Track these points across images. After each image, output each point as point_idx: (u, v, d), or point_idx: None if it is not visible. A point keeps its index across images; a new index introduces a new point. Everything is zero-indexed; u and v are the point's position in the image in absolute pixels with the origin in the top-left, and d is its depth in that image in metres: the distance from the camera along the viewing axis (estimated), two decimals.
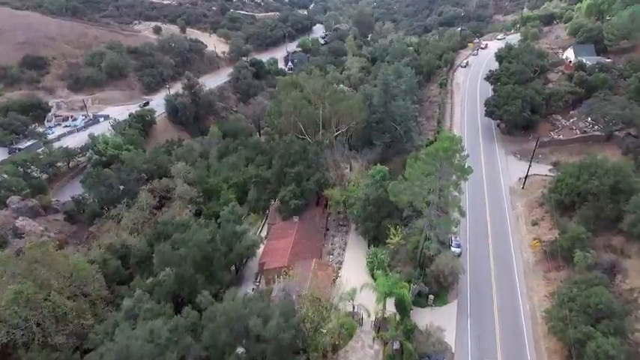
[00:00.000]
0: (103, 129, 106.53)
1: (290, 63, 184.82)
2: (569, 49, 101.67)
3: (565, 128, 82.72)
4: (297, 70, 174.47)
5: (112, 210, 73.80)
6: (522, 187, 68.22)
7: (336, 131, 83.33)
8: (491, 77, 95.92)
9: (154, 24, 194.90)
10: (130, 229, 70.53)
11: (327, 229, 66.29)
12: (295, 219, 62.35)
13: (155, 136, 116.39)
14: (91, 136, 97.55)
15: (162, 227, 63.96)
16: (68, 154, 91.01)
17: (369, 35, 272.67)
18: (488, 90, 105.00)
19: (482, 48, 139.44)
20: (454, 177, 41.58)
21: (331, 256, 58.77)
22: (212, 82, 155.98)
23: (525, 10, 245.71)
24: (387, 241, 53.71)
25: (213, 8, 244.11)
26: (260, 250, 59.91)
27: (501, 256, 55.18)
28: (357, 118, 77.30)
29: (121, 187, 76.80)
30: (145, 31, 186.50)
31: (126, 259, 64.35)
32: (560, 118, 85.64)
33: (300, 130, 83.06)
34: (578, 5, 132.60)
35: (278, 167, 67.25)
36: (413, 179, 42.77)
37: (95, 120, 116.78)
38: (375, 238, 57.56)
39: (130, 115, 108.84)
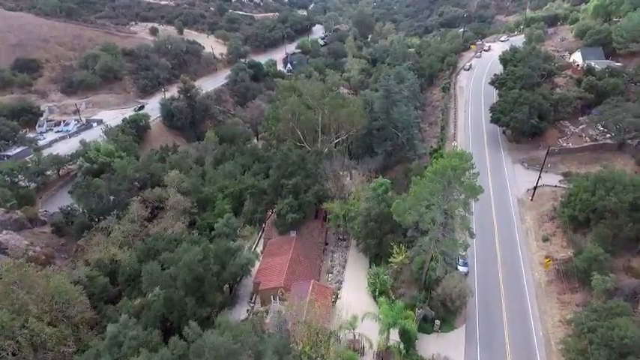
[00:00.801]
0: (96, 134, 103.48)
1: (289, 65, 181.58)
2: (577, 52, 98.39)
3: (574, 135, 79.48)
4: (297, 71, 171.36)
5: (101, 222, 70.65)
6: (531, 199, 64.98)
7: (336, 138, 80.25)
8: (496, 81, 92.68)
9: (150, 25, 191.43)
10: (120, 242, 67.38)
11: (327, 244, 63.13)
12: (292, 234, 59.14)
13: (150, 142, 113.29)
14: (83, 143, 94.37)
15: (152, 243, 60.66)
16: (58, 161, 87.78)
17: (369, 36, 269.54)
18: (493, 94, 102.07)
19: (485, 50, 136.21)
20: (463, 196, 38.40)
21: (330, 275, 55.56)
22: (209, 84, 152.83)
23: (528, 10, 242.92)
24: (390, 259, 50.56)
25: (211, 9, 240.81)
26: (255, 267, 56.75)
27: (511, 276, 51.96)
28: (358, 125, 74.16)
29: (112, 198, 73.44)
30: (142, 33, 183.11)
31: (115, 275, 61.33)
32: (569, 124, 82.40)
33: (298, 136, 80.00)
34: (584, 6, 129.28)
35: (275, 178, 64.02)
36: (418, 198, 39.56)
37: (88, 125, 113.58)
38: (376, 255, 54.40)
39: (123, 121, 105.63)
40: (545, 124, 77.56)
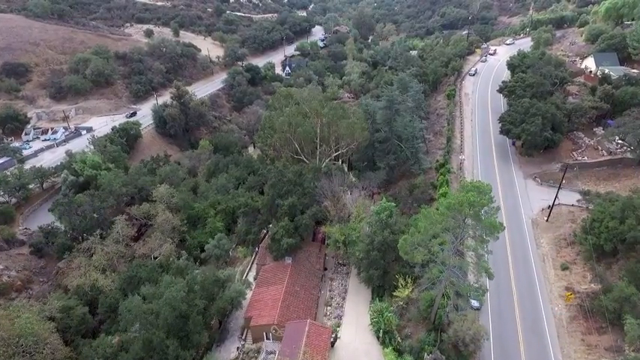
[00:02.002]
0: (84, 143, 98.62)
1: (288, 68, 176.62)
2: (589, 57, 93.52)
3: (589, 148, 74.58)
4: (295, 75, 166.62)
5: (84, 242, 65.78)
6: (547, 220, 60.05)
7: (335, 151, 75.39)
8: (505, 89, 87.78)
9: (146, 27, 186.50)
10: (102, 265, 62.57)
11: (325, 269, 58.28)
12: (288, 260, 54.25)
13: (141, 150, 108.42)
14: (69, 154, 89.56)
15: (135, 270, 55.71)
16: (41, 174, 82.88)
17: (370, 37, 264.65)
18: (501, 100, 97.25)
19: (490, 54, 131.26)
20: (481, 233, 33.53)
21: (329, 308, 50.67)
22: (205, 89, 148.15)
23: (531, 11, 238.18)
24: (395, 293, 45.67)
25: (209, 10, 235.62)
26: (248, 297, 51.89)
27: (529, 310, 47.06)
28: (359, 138, 69.29)
29: (95, 216, 68.50)
30: (136, 35, 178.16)
31: (96, 302, 56.55)
32: (583, 135, 77.54)
33: (295, 148, 75.18)
34: (594, 9, 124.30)
35: (269, 198, 59.14)
36: (428, 234, 34.71)
37: (77, 133, 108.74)
38: (380, 286, 49.49)
39: (112, 129, 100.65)
40: (559, 137, 72.60)
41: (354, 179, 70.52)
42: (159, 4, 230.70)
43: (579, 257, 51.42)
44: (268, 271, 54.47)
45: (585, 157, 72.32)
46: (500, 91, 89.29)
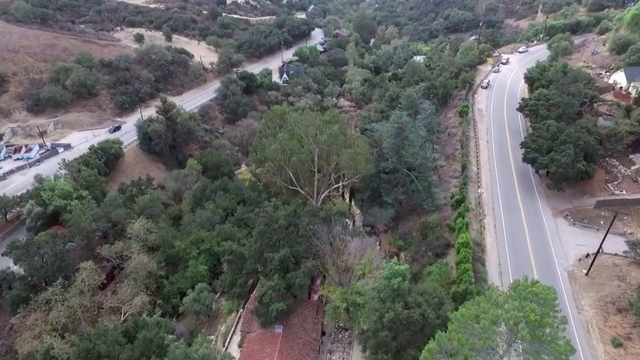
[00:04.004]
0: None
1: (285, 75, 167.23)
2: (619, 71, 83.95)
3: (626, 179, 65.22)
4: (294, 83, 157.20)
5: (42, 293, 56.39)
6: (587, 274, 50.61)
7: (335, 182, 66.06)
8: (526, 107, 78.26)
9: (137, 31, 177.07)
10: (61, 324, 53.26)
11: (324, 333, 48.95)
12: (278, 329, 44.94)
13: (123, 170, 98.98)
14: (38, 179, 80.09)
15: (93, 341, 46.16)
16: (4, 204, 73.53)
17: (371, 40, 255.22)
18: (518, 119, 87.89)
19: (503, 63, 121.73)
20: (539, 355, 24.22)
21: None
22: (197, 99, 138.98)
23: (540, 13, 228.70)
24: None
25: (204, 12, 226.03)
26: None
27: None
28: (363, 171, 59.84)
29: (58, 262, 59.04)
30: (126, 40, 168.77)
31: None
32: (617, 163, 68.25)
33: (289, 178, 65.82)
34: (618, 14, 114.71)
35: (257, 247, 49.77)
36: (464, 347, 25.34)
37: (53, 151, 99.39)
38: None
39: (90, 149, 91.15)
40: (593, 168, 63.14)
41: (358, 226, 60.85)
42: (152, 6, 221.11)
43: (636, 331, 42.01)
44: (254, 342, 45.07)
45: (624, 192, 62.90)
46: (521, 109, 79.86)
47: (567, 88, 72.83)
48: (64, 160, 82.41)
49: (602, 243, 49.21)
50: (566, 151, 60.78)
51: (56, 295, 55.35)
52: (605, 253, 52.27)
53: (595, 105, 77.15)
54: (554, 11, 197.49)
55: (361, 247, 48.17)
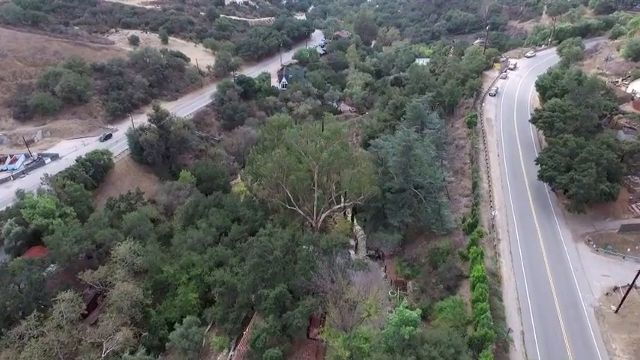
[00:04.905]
0: (49, 173, 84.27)
1: (284, 79, 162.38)
2: (638, 80, 79.00)
3: None
4: (293, 87, 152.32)
5: (15, 327, 51.53)
6: (616, 311, 45.70)
7: (337, 202, 61.26)
8: (540, 119, 73.34)
9: (132, 33, 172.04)
10: None
11: None
12: None
13: (113, 183, 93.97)
14: (19, 194, 75.10)
15: None
16: None
17: (372, 42, 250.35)
18: (530, 130, 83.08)
19: (510, 69, 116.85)
20: None
21: None
22: (192, 104, 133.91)
23: (544, 16, 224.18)
24: None
25: (202, 13, 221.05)
26: None
27: None
28: (367, 192, 54.96)
29: (33, 292, 54.16)
30: (120, 42, 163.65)
31: None
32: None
33: (287, 197, 61.02)
34: (633, 18, 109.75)
35: (250, 282, 44.86)
36: None
37: (40, 161, 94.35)
38: None
39: (77, 161, 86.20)
40: (617, 188, 58.15)
41: (362, 249, 55.90)
42: (148, 7, 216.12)
43: None
44: None
45: None
46: (534, 121, 74.99)
47: (585, 99, 67.93)
48: (46, 174, 77.18)
49: (635, 279, 44.18)
50: (588, 170, 55.92)
51: (30, 329, 50.54)
52: (638, 288, 47.34)
53: (614, 117, 72.21)
54: (559, 13, 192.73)
55: (366, 282, 43.19)
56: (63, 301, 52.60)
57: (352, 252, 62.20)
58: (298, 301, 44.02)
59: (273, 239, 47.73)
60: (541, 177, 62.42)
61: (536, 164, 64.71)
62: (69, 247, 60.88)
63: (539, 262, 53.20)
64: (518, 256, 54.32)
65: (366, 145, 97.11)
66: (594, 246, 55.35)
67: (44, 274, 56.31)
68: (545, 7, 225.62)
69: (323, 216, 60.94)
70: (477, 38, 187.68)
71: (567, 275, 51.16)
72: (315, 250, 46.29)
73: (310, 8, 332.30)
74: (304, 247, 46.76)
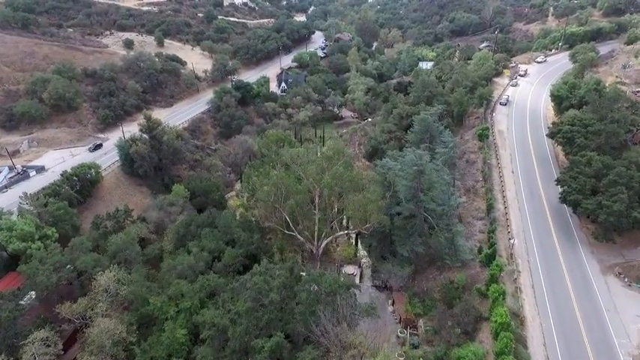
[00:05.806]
0: (33, 187, 79.40)
1: (283, 84, 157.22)
2: None
3: None
4: (292, 93, 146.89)
5: None
6: None
7: (340, 228, 55.86)
8: (558, 134, 67.92)
9: (127, 35, 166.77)
10: None
11: None
12: None
13: (102, 197, 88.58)
14: None
15: None
16: None
17: (374, 44, 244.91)
18: (545, 144, 77.75)
19: (521, 75, 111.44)
20: None
21: None
22: (188, 111, 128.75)
23: (551, 17, 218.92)
24: None
25: (199, 15, 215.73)
26: None
27: None
28: (374, 221, 49.55)
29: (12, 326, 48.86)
30: (114, 45, 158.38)
31: None
32: None
33: (286, 222, 55.65)
34: None
35: (242, 330, 39.43)
36: None
37: (24, 174, 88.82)
38: None
39: (62, 175, 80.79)
40: None
41: (367, 279, 50.38)
42: (144, 8, 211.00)
43: None
44: None
45: None
46: (552, 136, 69.56)
47: (609, 113, 62.55)
48: (25, 193, 71.64)
49: None
50: (619, 195, 50.50)
51: None
52: None
53: (639, 132, 66.93)
54: (566, 15, 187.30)
55: (375, 331, 37.82)
56: (35, 341, 47.15)
57: (357, 280, 56.95)
58: (297, 350, 38.65)
59: (268, 278, 42.32)
60: (564, 200, 57.00)
61: (557, 184, 59.31)
62: (46, 277, 55.57)
63: (566, 299, 47.82)
64: (542, 292, 48.90)
65: (370, 157, 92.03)
66: (626, 280, 49.99)
67: (17, 310, 50.73)
68: (551, 8, 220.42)
69: (325, 242, 55.60)
70: (482, 41, 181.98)
71: (599, 316, 45.73)
72: (317, 292, 40.88)
73: (310, 9, 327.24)
74: (305, 286, 41.33)
